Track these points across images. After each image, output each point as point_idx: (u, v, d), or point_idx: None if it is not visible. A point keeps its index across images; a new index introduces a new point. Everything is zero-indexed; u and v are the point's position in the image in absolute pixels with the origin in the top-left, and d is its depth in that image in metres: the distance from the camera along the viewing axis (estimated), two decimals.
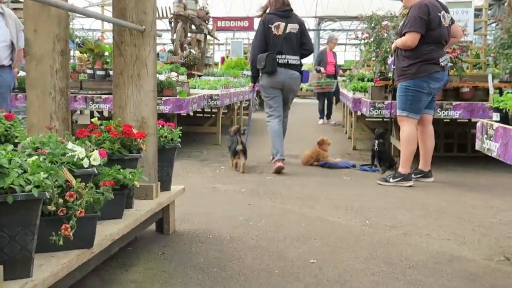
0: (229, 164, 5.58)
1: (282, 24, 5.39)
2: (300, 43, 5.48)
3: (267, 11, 5.48)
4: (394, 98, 5.05)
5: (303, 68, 5.61)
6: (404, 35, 4.52)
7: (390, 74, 6.60)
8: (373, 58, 6.97)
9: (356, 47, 7.96)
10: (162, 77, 6.33)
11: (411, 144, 4.56)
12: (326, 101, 10.45)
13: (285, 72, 5.41)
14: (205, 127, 7.52)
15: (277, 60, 5.38)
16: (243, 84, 8.91)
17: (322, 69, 10.08)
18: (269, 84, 5.46)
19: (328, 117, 10.41)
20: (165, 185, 2.98)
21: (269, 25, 5.39)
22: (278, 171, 5.18)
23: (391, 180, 4.63)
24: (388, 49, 6.29)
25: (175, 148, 2.99)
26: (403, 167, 4.60)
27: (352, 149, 6.95)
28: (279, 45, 5.38)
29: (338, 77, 10.54)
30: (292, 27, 5.42)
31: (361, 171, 5.38)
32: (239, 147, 5.30)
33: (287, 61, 5.42)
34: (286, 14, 5.43)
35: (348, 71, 12.15)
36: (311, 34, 26.42)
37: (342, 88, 9.43)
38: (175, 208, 3.13)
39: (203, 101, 6.74)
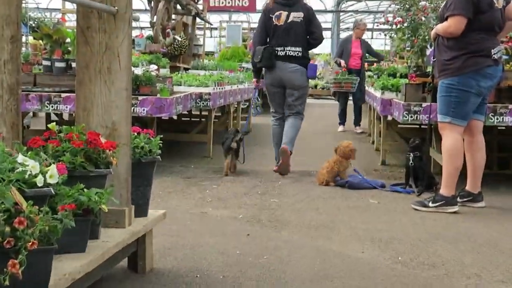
0: (223, 183, 5.61)
1: (284, 13, 6.05)
2: (308, 32, 6.15)
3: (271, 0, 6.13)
4: (434, 99, 5.07)
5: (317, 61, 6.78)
6: (446, 19, 4.55)
7: (429, 69, 6.63)
8: (408, 48, 7.02)
9: (385, 34, 7.96)
10: (138, 71, 6.36)
11: (455, 158, 4.57)
12: (353, 105, 10.46)
13: (284, 65, 6.12)
14: (193, 135, 7.56)
15: (276, 52, 6.08)
16: (241, 80, 8.96)
17: (342, 62, 10.09)
18: (269, 81, 6.26)
19: (356, 123, 10.40)
20: (141, 210, 2.99)
21: (270, 15, 6.04)
22: (281, 172, 6.04)
23: (430, 204, 4.64)
24: (427, 37, 6.34)
25: (154, 162, 3.00)
26: (446, 188, 4.61)
27: (380, 164, 6.97)
28: (280, 37, 6.08)
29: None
30: (296, 16, 6.07)
31: (391, 192, 5.40)
32: (234, 144, 6.10)
33: (286, 53, 6.10)
34: (290, 2, 6.07)
35: (375, 65, 12.19)
36: (328, 17, 26.58)
37: (368, 86, 9.46)
38: (153, 239, 3.13)
39: (191, 101, 6.77)
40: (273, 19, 6.15)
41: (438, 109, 4.68)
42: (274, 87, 6.29)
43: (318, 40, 6.32)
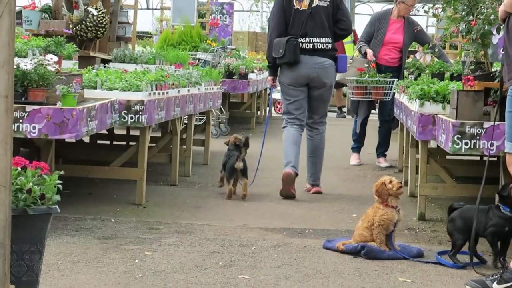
0: (161, 246, 5.63)
1: None
2: (334, 20, 7.66)
3: None
4: (503, 116, 5.15)
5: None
6: None
7: (496, 67, 6.72)
8: (461, 34, 7.10)
9: (426, 11, 8.03)
10: (26, 65, 6.33)
11: None
12: (378, 124, 10.49)
13: (311, 60, 7.64)
14: (115, 168, 7.54)
15: (300, 45, 7.53)
16: (195, 81, 8.99)
17: (369, 52, 10.13)
18: (290, 81, 7.77)
19: (381, 152, 10.49)
20: None
21: None
22: (286, 194, 7.62)
23: (494, 285, 4.67)
24: (493, 17, 6.43)
25: (50, 215, 2.99)
26: None
27: (417, 219, 7.03)
28: (303, 25, 7.54)
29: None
30: (321, 0, 7.53)
31: (434, 265, 5.43)
32: (239, 164, 7.48)
33: (314, 46, 7.60)
34: None
35: (410, 58, 12.31)
36: None
37: (397, 93, 9.54)
38: None
39: (112, 115, 6.77)
40: (294, 3, 7.53)
41: (506, 133, 4.74)
42: (296, 87, 7.81)
43: (347, 31, 7.93)
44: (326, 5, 7.65)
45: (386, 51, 10.20)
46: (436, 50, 9.72)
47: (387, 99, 10.02)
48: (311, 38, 7.61)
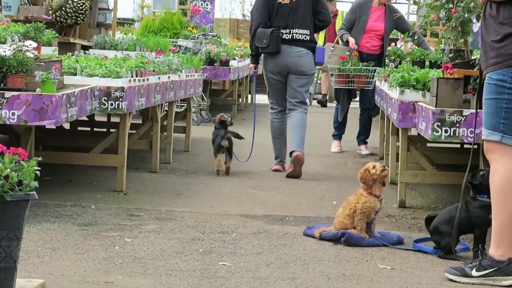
0: (142, 233, 5.64)
1: None
2: (314, 13, 8.43)
3: None
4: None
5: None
6: None
7: (476, 55, 6.74)
8: (441, 22, 7.11)
9: None
10: (5, 51, 6.29)
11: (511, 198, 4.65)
12: (359, 112, 10.54)
13: (289, 50, 8.39)
14: (95, 155, 7.52)
15: (281, 35, 8.31)
16: (176, 68, 8.97)
17: (351, 40, 10.12)
18: (271, 68, 8.58)
19: (361, 140, 10.53)
20: (4, 278, 2.97)
21: None
22: (295, 175, 8.28)
23: (474, 273, 4.69)
24: (472, 5, 6.45)
25: (27, 201, 2.98)
26: (499, 247, 4.67)
27: (397, 206, 7.06)
28: (285, 17, 8.31)
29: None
30: None
31: (414, 252, 5.45)
32: (225, 142, 8.25)
33: (293, 36, 8.37)
34: None
35: (391, 46, 12.35)
36: None
37: (378, 81, 9.56)
38: None
39: (92, 101, 6.75)
40: None
41: (483, 121, 4.74)
42: (275, 75, 8.61)
43: (326, 23, 8.78)
44: None
45: (368, 39, 10.21)
46: (416, 37, 9.70)
47: (369, 88, 10.05)
48: (291, 30, 8.38)
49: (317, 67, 9.84)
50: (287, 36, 8.40)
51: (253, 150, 9.15)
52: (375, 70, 9.90)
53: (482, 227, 5.26)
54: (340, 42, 10.60)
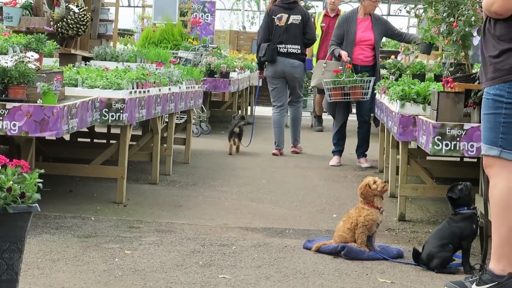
0: (142, 245, 5.67)
1: (285, 16, 11.05)
2: (303, 33, 11.10)
3: (274, 3, 11.20)
4: None
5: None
6: None
7: (476, 69, 6.74)
8: (442, 35, 7.11)
9: (408, 11, 8.02)
10: (7, 62, 6.30)
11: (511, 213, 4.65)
12: (357, 125, 10.51)
13: (285, 61, 11.11)
14: (95, 167, 7.53)
15: (278, 49, 11.06)
16: (176, 80, 8.98)
17: (344, 53, 10.10)
18: (271, 73, 11.28)
19: (360, 153, 10.47)
20: None
21: (273, 17, 11.12)
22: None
23: (474, 287, 4.68)
24: (474, 18, 6.46)
25: (30, 214, 2.98)
26: (499, 262, 4.67)
27: (397, 219, 7.06)
28: (280, 35, 11.02)
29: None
30: (295, 18, 11.08)
31: (414, 266, 5.45)
32: (236, 129, 11.04)
33: (287, 50, 11.08)
34: (290, 6, 11.15)
35: (391, 59, 12.34)
36: None
37: (378, 94, 9.55)
38: None
39: (92, 113, 6.76)
40: (275, 20, 11.05)
41: (482, 136, 4.76)
42: (275, 78, 11.26)
43: (311, 40, 11.51)
44: (298, 22, 11.07)
45: (360, 50, 10.22)
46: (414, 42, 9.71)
47: (365, 99, 10.05)
48: (286, 45, 11.08)
49: (312, 84, 11.25)
50: (283, 50, 11.07)
51: (253, 162, 9.14)
52: (370, 80, 9.91)
53: (468, 238, 5.31)
54: (333, 58, 10.58)
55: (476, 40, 6.53)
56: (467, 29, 6.51)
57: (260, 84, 12.94)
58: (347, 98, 10.13)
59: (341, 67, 10.07)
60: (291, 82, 11.34)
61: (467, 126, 5.84)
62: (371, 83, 9.88)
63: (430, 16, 7.23)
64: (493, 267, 4.68)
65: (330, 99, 10.28)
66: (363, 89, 9.94)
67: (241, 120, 11.21)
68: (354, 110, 11.06)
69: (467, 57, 6.83)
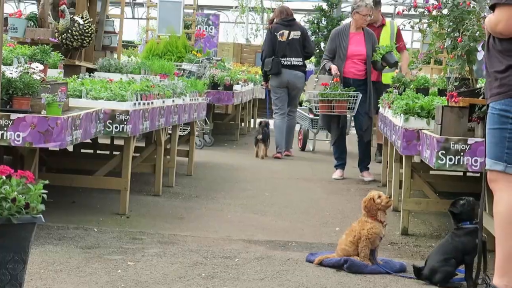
0: (144, 257, 5.67)
1: (286, 32, 12.26)
2: (303, 46, 12.38)
3: (274, 21, 12.57)
4: None
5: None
6: (493, 10, 4.66)
7: (481, 84, 6.75)
8: (447, 50, 7.11)
9: (412, 26, 8.04)
10: (12, 72, 6.31)
11: None
12: (357, 138, 10.50)
13: (289, 72, 12.21)
14: (99, 178, 7.54)
15: (282, 62, 12.16)
16: (180, 92, 8.99)
17: (334, 67, 10.15)
18: (276, 84, 12.35)
19: (363, 166, 10.46)
20: None
21: (275, 33, 12.31)
22: None
23: None
24: (478, 34, 6.46)
25: (34, 224, 2.98)
26: (502, 276, 4.67)
27: (400, 233, 7.05)
28: (284, 49, 12.18)
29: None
30: (295, 34, 12.32)
31: (417, 280, 5.44)
32: (259, 136, 12.22)
33: (291, 63, 12.22)
34: (290, 23, 12.44)
35: (395, 73, 12.31)
36: None
37: (381, 108, 9.54)
38: None
39: (96, 124, 6.77)
40: (278, 36, 12.23)
41: (487, 150, 4.76)
42: (280, 88, 12.35)
43: (310, 53, 13.01)
44: (298, 37, 12.32)
45: (352, 64, 10.24)
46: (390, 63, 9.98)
47: (352, 114, 10.13)
48: (289, 58, 12.21)
49: (305, 99, 13.57)
50: (287, 63, 12.19)
51: (257, 174, 9.18)
52: (357, 96, 9.97)
53: (471, 252, 5.26)
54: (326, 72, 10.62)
55: (480, 55, 6.52)
56: (472, 44, 6.50)
57: (268, 88, 13.57)
58: (332, 112, 10.15)
59: (330, 81, 10.12)
60: (293, 92, 12.45)
61: (471, 140, 5.83)
62: (358, 99, 9.94)
63: (435, 31, 7.23)
64: (497, 282, 4.68)
65: (316, 111, 10.87)
66: (349, 103, 9.97)
67: (265, 127, 12.30)
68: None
69: (471, 71, 6.82)
